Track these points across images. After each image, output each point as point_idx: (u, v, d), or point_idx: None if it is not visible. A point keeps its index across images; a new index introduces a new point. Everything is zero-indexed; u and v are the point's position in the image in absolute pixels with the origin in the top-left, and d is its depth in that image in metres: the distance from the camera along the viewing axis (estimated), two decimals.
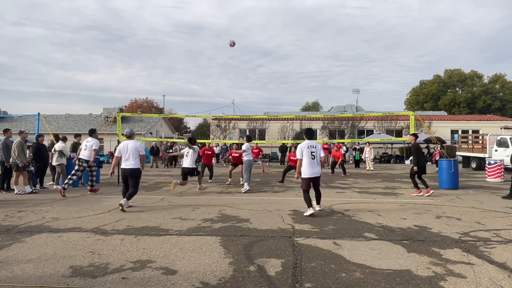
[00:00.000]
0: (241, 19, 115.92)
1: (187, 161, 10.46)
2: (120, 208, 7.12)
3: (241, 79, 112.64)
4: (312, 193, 6.98)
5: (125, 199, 7.34)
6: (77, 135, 12.97)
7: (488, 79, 56.11)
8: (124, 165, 7.59)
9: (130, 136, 7.75)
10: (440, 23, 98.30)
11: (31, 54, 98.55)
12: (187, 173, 10.41)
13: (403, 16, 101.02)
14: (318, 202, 7.25)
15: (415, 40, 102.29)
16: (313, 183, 7.00)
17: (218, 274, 3.69)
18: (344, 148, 29.68)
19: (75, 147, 12.52)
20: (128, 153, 7.54)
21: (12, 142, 10.41)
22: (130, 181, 7.59)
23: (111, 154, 29.07)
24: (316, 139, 9.42)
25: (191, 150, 10.52)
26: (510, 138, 17.18)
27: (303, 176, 6.90)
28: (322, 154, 7.11)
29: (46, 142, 12.38)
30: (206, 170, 13.45)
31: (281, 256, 4.29)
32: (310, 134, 7.16)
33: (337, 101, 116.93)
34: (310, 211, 6.67)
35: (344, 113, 36.53)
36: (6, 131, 10.81)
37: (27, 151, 10.69)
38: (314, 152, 6.85)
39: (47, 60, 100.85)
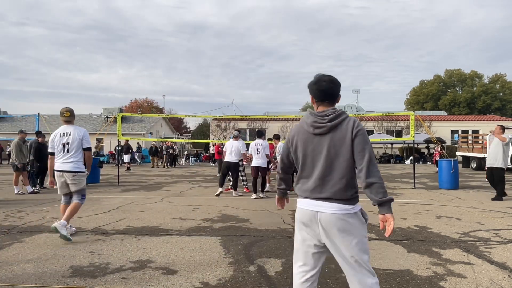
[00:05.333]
0: (243, 19, 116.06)
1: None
2: (217, 194, 9.35)
3: (242, 79, 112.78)
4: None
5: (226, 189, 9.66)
6: None
7: (488, 79, 56.12)
8: (227, 158, 9.70)
9: (236, 137, 9.81)
10: (441, 23, 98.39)
11: (31, 54, 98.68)
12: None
13: (404, 16, 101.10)
14: (262, 190, 9.66)
15: (416, 40, 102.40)
16: (260, 172, 9.48)
17: (218, 274, 3.69)
18: None
19: None
20: (231, 150, 9.59)
21: (24, 143, 10.40)
22: (231, 171, 9.70)
23: (111, 154, 29.08)
24: (265, 139, 10.04)
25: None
26: (510, 138, 17.17)
27: (252, 165, 9.48)
28: (267, 152, 9.37)
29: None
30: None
31: (281, 256, 4.29)
32: (259, 134, 9.67)
33: None
34: (254, 196, 9.05)
35: None
36: (20, 132, 10.79)
37: (27, 151, 10.68)
38: (259, 148, 9.36)
39: (47, 60, 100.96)
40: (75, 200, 5.17)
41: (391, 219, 2.10)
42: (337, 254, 2.18)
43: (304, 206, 2.26)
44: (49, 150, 5.28)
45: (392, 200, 2.13)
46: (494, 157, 8.76)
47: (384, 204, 2.10)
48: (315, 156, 2.20)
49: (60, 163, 5.15)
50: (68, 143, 5.16)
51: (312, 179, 2.21)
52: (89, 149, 5.33)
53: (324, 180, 2.17)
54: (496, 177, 8.79)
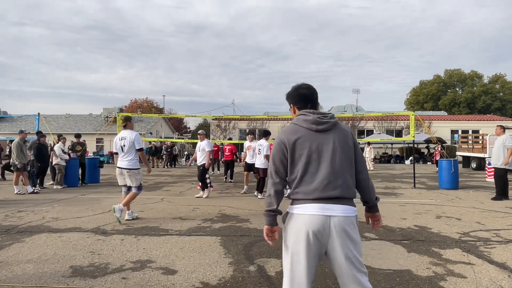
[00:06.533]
0: (243, 19, 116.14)
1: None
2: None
3: (242, 79, 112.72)
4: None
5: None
6: (78, 135, 12.96)
7: (488, 79, 56.13)
8: (249, 161, 10.30)
9: (202, 135, 9.55)
10: (442, 23, 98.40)
11: (31, 54, 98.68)
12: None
13: (405, 16, 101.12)
14: (261, 191, 9.40)
15: (417, 40, 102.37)
16: (260, 173, 9.48)
17: (218, 274, 3.69)
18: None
19: (74, 147, 12.53)
20: (256, 151, 9.74)
21: (24, 143, 10.40)
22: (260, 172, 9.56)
23: (111, 154, 29.11)
24: (268, 139, 10.25)
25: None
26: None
27: (256, 166, 9.67)
28: (267, 152, 9.34)
29: (50, 142, 12.38)
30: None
31: (281, 256, 4.27)
32: (264, 134, 9.76)
33: (337, 101, 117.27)
34: (259, 196, 9.20)
35: (344, 113, 36.51)
36: (20, 132, 10.79)
37: (27, 151, 10.67)
38: (260, 149, 9.46)
39: (47, 60, 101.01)
40: (132, 190, 6.39)
41: (380, 216, 2.39)
42: (341, 257, 2.03)
43: (313, 211, 2.02)
44: (114, 151, 6.52)
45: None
46: (497, 157, 8.79)
47: (376, 204, 2.33)
48: (321, 152, 2.11)
49: (120, 161, 6.35)
50: (124, 146, 6.31)
51: (321, 175, 2.07)
52: (141, 149, 6.39)
53: (335, 174, 2.08)
54: (496, 176, 8.80)
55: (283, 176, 2.17)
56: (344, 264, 2.02)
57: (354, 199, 2.16)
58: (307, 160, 2.11)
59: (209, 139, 33.67)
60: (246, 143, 10.67)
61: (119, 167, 6.37)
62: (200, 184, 9.49)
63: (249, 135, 10.70)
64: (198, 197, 9.23)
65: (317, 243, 2.02)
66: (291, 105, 2.34)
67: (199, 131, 9.69)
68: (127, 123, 6.52)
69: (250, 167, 10.35)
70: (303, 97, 2.28)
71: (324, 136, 2.14)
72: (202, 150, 9.23)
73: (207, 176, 9.66)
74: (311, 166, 2.11)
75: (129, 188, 6.45)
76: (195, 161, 9.55)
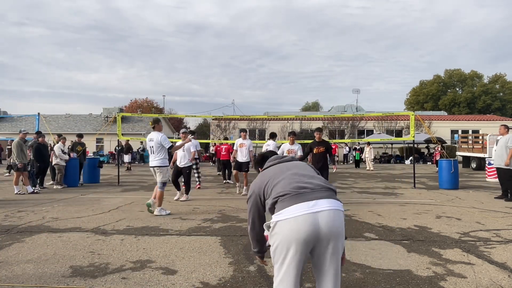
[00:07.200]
0: (243, 19, 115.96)
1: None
2: None
3: (242, 79, 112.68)
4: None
5: None
6: (80, 135, 12.96)
7: (488, 79, 56.15)
8: (240, 159, 10.20)
9: (184, 134, 9.47)
10: (442, 23, 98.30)
11: (32, 54, 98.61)
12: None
13: (405, 16, 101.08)
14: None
15: (416, 40, 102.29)
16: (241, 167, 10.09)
17: (218, 274, 3.69)
18: (347, 148, 29.76)
19: (74, 147, 12.53)
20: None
21: (24, 142, 10.40)
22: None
23: (111, 154, 29.11)
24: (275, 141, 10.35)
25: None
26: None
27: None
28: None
29: (50, 142, 12.38)
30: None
31: None
32: (271, 136, 10.22)
33: (337, 101, 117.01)
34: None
35: (344, 113, 36.54)
36: (20, 132, 10.80)
37: (27, 151, 10.67)
38: (268, 149, 9.23)
39: (47, 60, 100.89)
40: (157, 188, 6.91)
41: None
42: (329, 256, 2.10)
43: (298, 212, 2.03)
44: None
45: None
46: (500, 158, 8.76)
47: None
48: (289, 166, 2.40)
49: (151, 161, 7.01)
50: (152, 147, 6.94)
51: (296, 173, 2.29)
52: (170, 147, 6.99)
53: (308, 173, 2.33)
54: (503, 177, 8.74)
55: (263, 217, 2.51)
56: (326, 262, 2.18)
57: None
58: (283, 173, 2.38)
59: (209, 139, 33.73)
60: (239, 141, 10.35)
61: (151, 166, 7.01)
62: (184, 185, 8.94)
63: (242, 133, 10.53)
64: (178, 200, 8.74)
65: (305, 247, 2.13)
66: (259, 168, 2.68)
67: (182, 130, 9.07)
68: (155, 125, 7.05)
69: (240, 166, 10.22)
70: (267, 157, 2.69)
71: (290, 163, 2.47)
72: (187, 150, 8.80)
73: (198, 175, 9.60)
74: (287, 175, 2.37)
75: (164, 184, 7.04)
76: (174, 163, 9.04)
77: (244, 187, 10.11)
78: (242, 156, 10.11)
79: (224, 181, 12.94)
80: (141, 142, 28.91)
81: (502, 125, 9.14)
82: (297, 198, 2.08)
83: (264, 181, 2.29)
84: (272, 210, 2.17)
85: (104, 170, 17.73)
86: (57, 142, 11.84)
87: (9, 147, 16.59)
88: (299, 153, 9.01)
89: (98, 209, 7.49)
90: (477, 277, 3.59)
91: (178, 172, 9.00)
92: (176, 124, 52.48)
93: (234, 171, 10.39)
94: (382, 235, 5.31)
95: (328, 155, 8.19)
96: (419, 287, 3.36)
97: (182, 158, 8.89)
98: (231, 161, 10.58)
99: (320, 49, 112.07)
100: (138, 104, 57.98)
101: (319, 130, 8.40)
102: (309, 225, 2.00)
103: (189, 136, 8.47)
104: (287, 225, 2.03)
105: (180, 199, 8.75)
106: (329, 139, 31.42)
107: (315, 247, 2.09)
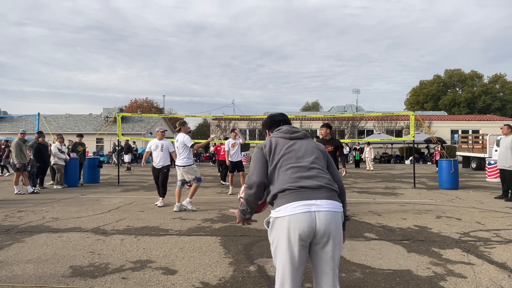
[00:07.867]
0: (243, 19, 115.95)
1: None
2: None
3: (242, 79, 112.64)
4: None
5: None
6: (81, 135, 12.96)
7: (488, 79, 56.14)
8: (234, 159, 10.29)
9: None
10: (442, 23, 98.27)
11: (32, 54, 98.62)
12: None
13: (405, 16, 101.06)
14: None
15: (416, 40, 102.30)
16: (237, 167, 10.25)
17: (218, 274, 3.69)
18: (347, 148, 29.75)
19: (75, 147, 12.53)
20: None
21: (24, 142, 10.39)
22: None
23: (111, 154, 29.10)
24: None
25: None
26: None
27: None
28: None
29: (51, 142, 12.38)
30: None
31: None
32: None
33: (337, 101, 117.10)
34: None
35: (344, 113, 36.54)
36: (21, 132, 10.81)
37: (27, 151, 10.68)
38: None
39: (48, 60, 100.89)
40: (193, 183, 7.43)
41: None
42: (326, 256, 2.07)
43: (295, 210, 2.03)
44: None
45: None
46: (504, 159, 8.70)
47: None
48: (298, 152, 2.27)
49: (177, 160, 7.46)
50: (177, 147, 7.43)
51: (301, 166, 2.20)
52: (192, 146, 7.35)
53: (314, 166, 2.22)
54: (508, 178, 8.69)
55: (264, 179, 2.35)
56: (324, 262, 2.14)
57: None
58: (287, 157, 2.28)
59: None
60: (230, 141, 10.23)
61: (177, 165, 7.45)
62: (189, 184, 7.83)
63: (232, 133, 10.46)
64: (159, 205, 7.90)
65: (303, 244, 2.11)
66: (267, 131, 2.56)
67: (159, 128, 8.35)
68: (181, 127, 7.55)
69: (235, 167, 10.19)
70: (277, 121, 2.52)
71: (299, 142, 2.35)
72: (166, 150, 8.06)
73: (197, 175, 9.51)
74: (289, 162, 2.28)
75: (183, 183, 7.49)
76: (151, 162, 8.27)
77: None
78: (235, 155, 10.15)
79: (221, 182, 12.91)
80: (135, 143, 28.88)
81: (505, 125, 9.05)
82: (296, 195, 2.08)
83: (272, 150, 2.28)
84: (272, 204, 2.21)
85: (104, 170, 17.75)
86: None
87: (3, 147, 16.57)
88: None
89: (98, 209, 7.49)
90: (477, 277, 3.59)
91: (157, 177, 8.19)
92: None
93: (230, 174, 10.33)
94: (382, 235, 5.31)
95: (339, 154, 7.09)
96: (419, 287, 3.36)
97: (163, 159, 8.03)
98: (227, 163, 10.46)
99: (320, 49, 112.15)
100: (138, 104, 57.99)
101: (327, 126, 6.92)
102: (305, 224, 2.01)
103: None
104: (285, 223, 2.04)
105: (157, 204, 7.97)
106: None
107: (311, 246, 2.09)
